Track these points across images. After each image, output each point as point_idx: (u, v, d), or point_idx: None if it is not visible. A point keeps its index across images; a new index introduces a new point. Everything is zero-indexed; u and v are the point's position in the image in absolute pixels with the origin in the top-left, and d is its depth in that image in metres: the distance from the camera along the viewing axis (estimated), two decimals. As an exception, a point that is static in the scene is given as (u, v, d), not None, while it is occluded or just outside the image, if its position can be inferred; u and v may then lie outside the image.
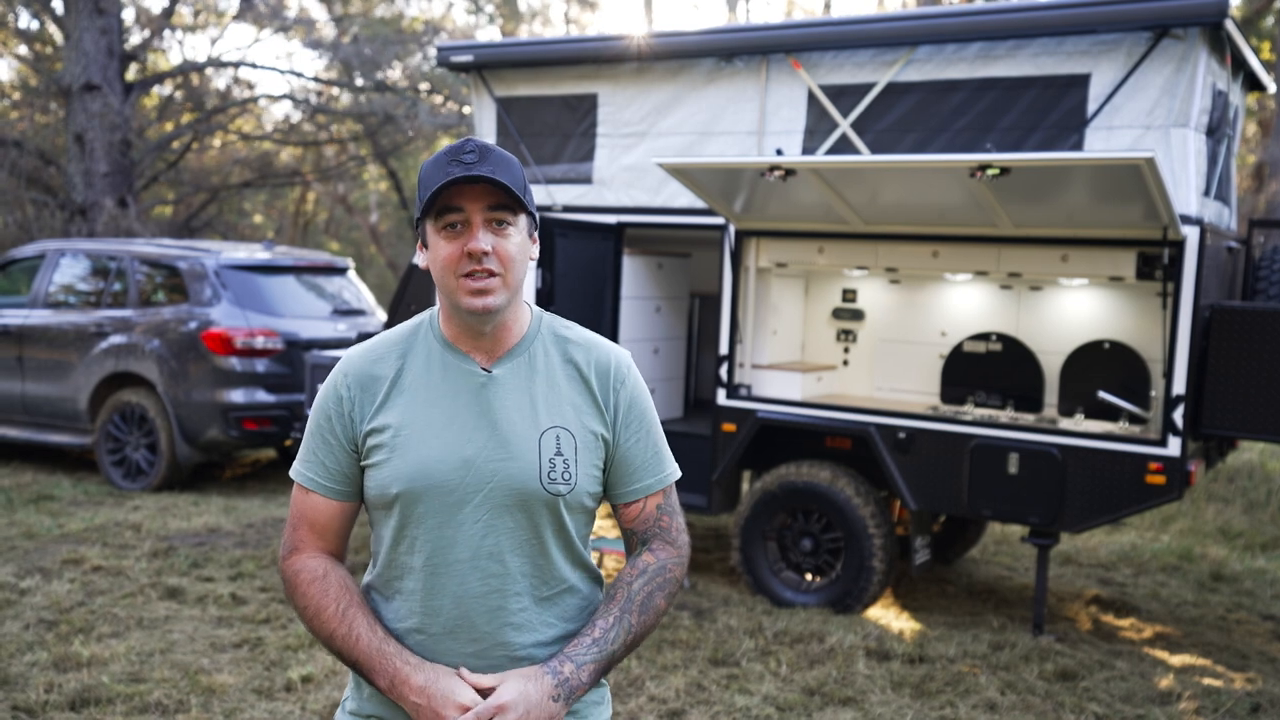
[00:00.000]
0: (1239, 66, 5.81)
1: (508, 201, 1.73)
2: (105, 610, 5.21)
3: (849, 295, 6.49)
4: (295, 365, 8.11)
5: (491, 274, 1.72)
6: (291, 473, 1.86)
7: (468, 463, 1.74)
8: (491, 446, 1.75)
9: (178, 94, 17.79)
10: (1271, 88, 6.46)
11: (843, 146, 5.87)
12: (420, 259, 1.83)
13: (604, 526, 7.18)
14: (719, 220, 6.13)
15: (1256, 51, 5.83)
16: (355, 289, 9.30)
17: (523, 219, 1.78)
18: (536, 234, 1.85)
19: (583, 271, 6.34)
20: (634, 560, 1.87)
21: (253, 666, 4.62)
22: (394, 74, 17.17)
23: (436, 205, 1.72)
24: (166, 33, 17.35)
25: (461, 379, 1.79)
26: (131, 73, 15.45)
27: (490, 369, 1.79)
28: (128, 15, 15.99)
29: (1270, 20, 16.96)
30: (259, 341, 8.01)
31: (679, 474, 1.93)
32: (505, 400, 1.78)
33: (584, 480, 1.79)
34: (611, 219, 6.49)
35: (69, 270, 8.90)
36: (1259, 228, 6.31)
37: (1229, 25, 5.10)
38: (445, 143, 19.97)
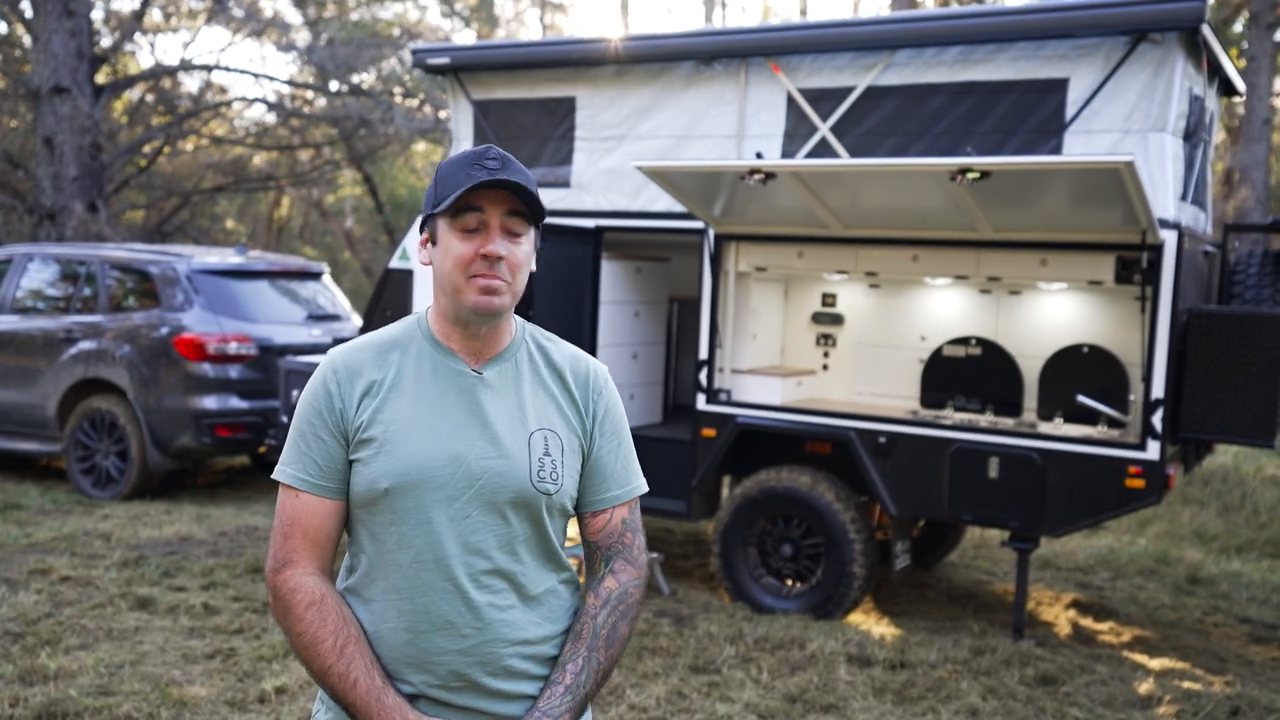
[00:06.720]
0: (1214, 71, 5.84)
1: (525, 211, 1.78)
2: (73, 621, 5.10)
3: (829, 299, 6.48)
4: (269, 371, 8.01)
5: (500, 278, 1.77)
6: (278, 476, 1.80)
7: (458, 458, 1.76)
8: (482, 444, 1.77)
9: (149, 97, 17.60)
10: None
11: (822, 150, 5.86)
12: (422, 255, 1.84)
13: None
14: (698, 224, 6.10)
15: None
16: (330, 294, 9.21)
17: (531, 232, 1.83)
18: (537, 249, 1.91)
19: (561, 276, 6.29)
20: (596, 586, 1.88)
21: (225, 678, 4.53)
22: (369, 78, 17.06)
23: (458, 204, 1.74)
24: (138, 35, 17.15)
25: (451, 378, 1.81)
26: (102, 75, 15.27)
27: (479, 370, 1.82)
28: (97, 17, 15.80)
29: (1238, 26, 17.15)
30: (232, 347, 7.91)
31: (646, 488, 1.96)
32: (494, 401, 1.81)
33: (568, 483, 1.84)
34: (590, 223, 6.45)
35: (37, 275, 8.76)
36: (1234, 232, 6.34)
37: (1205, 30, 5.13)
38: (422, 147, 19.88)
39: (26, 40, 15.57)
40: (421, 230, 1.85)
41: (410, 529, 1.75)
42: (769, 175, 5.13)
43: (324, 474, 1.78)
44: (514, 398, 1.82)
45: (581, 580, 1.94)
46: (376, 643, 1.77)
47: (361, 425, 1.76)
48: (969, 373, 5.87)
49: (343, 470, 1.78)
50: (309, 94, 18.66)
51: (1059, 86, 5.33)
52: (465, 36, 23.21)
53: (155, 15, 17.97)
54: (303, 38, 17.66)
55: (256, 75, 18.15)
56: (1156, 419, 5.03)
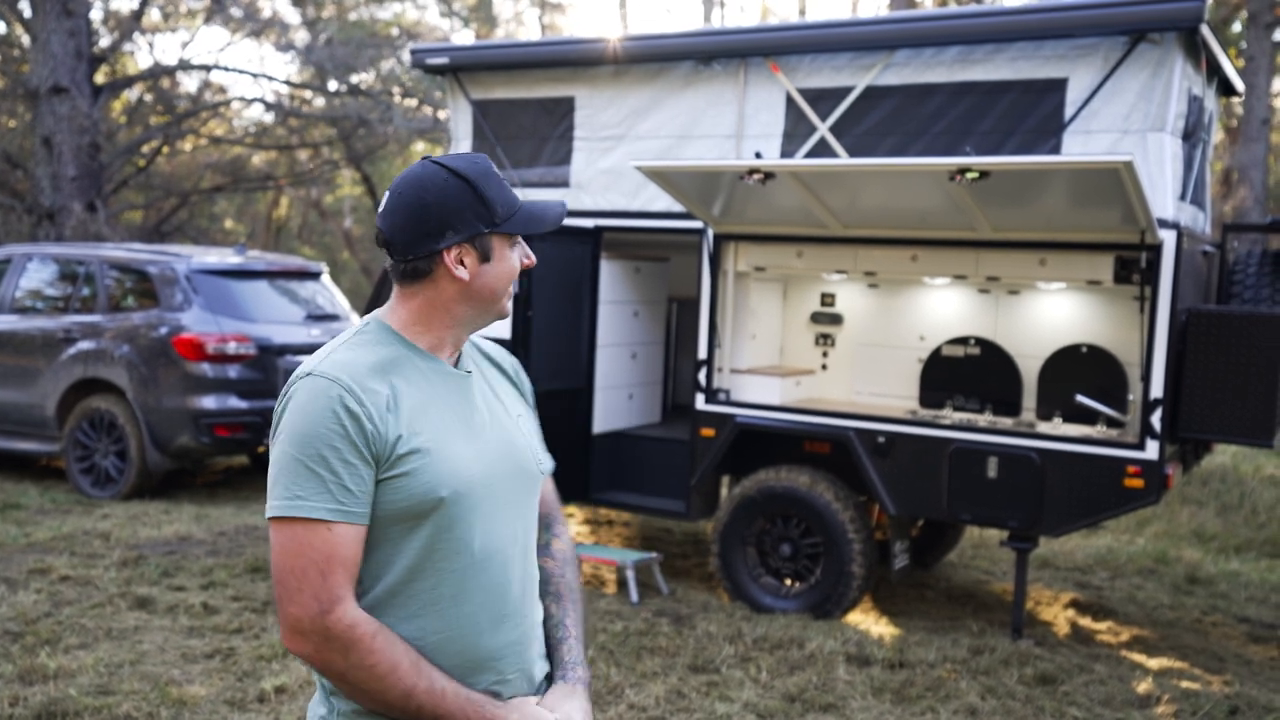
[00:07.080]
0: (1213, 71, 5.85)
1: None
2: (73, 621, 5.10)
3: (827, 299, 6.48)
4: (268, 371, 8.01)
5: None
6: (298, 511, 1.64)
7: (487, 453, 1.80)
8: (497, 437, 1.84)
9: (148, 97, 17.60)
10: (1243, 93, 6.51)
11: (821, 150, 5.86)
12: (460, 271, 1.76)
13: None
14: (697, 224, 6.10)
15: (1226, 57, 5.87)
16: (329, 294, 9.21)
17: None
18: None
19: (560, 276, 6.30)
20: (547, 550, 2.02)
21: (225, 677, 4.54)
22: (367, 78, 17.06)
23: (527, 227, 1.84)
24: (136, 35, 17.15)
25: (449, 379, 1.83)
26: (101, 75, 15.26)
27: (468, 371, 1.88)
28: (96, 17, 15.79)
29: (1237, 26, 17.16)
30: (231, 347, 7.90)
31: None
32: (484, 396, 1.88)
33: None
34: (589, 223, 6.45)
35: (36, 275, 8.76)
36: (1233, 232, 6.35)
37: (1204, 30, 5.13)
38: (420, 147, 19.87)
39: (25, 40, 15.56)
40: (452, 244, 1.75)
41: (464, 531, 1.73)
42: (768, 175, 5.13)
43: (357, 500, 1.67)
44: (490, 390, 1.90)
45: None
46: (428, 655, 1.73)
47: (400, 439, 1.69)
48: (968, 372, 5.88)
49: (371, 493, 1.69)
50: (308, 94, 18.65)
51: (1058, 86, 5.33)
52: (464, 36, 23.22)
53: (154, 15, 17.97)
54: (301, 37, 17.66)
55: (255, 75, 18.14)
56: (1155, 419, 5.03)
